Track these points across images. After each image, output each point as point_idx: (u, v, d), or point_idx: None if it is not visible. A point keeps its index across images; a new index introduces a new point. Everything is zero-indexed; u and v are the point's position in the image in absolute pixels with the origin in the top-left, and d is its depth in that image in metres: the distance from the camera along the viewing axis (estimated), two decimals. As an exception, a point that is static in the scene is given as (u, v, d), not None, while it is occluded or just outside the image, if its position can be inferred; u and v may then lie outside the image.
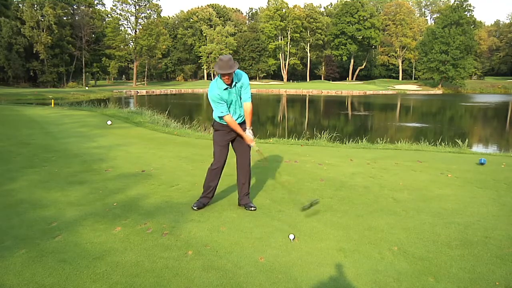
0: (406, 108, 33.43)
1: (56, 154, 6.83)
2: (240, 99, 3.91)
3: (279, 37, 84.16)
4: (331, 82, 78.60)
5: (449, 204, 4.35)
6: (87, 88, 53.93)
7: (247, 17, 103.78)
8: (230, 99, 3.87)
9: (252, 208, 4.05)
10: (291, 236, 3.34)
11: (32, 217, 3.79)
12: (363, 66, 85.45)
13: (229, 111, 3.88)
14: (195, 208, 4.00)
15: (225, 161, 4.03)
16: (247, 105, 3.92)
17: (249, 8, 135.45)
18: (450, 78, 63.00)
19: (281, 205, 4.25)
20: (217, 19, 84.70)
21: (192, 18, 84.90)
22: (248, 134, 3.92)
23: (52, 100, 22.09)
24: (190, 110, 27.39)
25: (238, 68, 3.80)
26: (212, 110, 3.98)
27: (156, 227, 3.56)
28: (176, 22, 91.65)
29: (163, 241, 3.28)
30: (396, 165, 6.34)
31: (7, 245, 3.16)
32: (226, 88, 3.79)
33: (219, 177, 4.10)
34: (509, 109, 33.55)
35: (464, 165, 6.40)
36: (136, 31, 67.96)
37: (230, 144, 4.08)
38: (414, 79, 79.01)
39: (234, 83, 3.80)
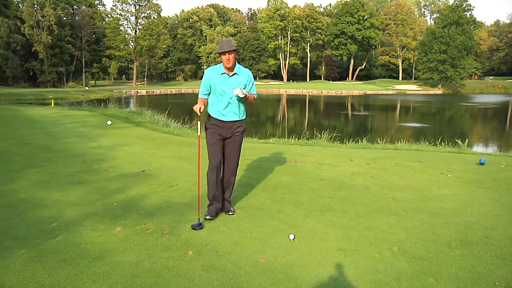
0: (406, 108, 33.43)
1: (56, 154, 6.83)
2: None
3: (279, 37, 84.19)
4: (331, 82, 78.61)
5: (449, 204, 4.35)
6: (87, 88, 53.98)
7: (246, 17, 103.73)
8: (222, 88, 3.68)
9: (231, 213, 3.91)
10: (291, 236, 3.33)
11: (32, 217, 3.79)
12: (363, 66, 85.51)
13: (219, 103, 3.73)
14: (208, 218, 3.72)
15: (220, 161, 3.80)
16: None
17: (248, 9, 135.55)
18: (450, 78, 63.03)
19: (281, 205, 4.25)
20: (217, 19, 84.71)
21: (192, 18, 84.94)
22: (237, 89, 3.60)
23: (52, 100, 22.09)
24: (190, 110, 27.37)
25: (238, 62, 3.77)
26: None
27: (156, 227, 3.56)
28: (176, 22, 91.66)
29: (163, 241, 3.28)
30: (396, 165, 6.34)
31: (7, 245, 3.16)
32: (223, 74, 3.69)
33: (219, 179, 3.85)
34: (509, 109, 33.55)
35: (464, 165, 6.40)
36: (136, 31, 67.97)
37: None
38: (414, 79, 79.07)
39: (234, 73, 3.70)
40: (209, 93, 3.82)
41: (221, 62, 3.71)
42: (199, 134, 3.83)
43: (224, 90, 3.69)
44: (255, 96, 3.85)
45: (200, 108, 3.60)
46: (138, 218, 3.79)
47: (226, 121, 3.77)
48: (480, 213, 4.08)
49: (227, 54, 3.58)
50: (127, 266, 2.84)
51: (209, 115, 3.84)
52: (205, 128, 3.85)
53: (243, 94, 3.56)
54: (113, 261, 2.92)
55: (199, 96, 3.82)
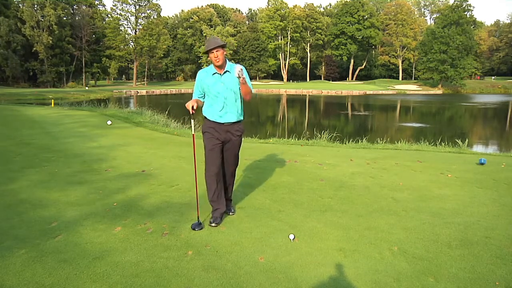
0: (406, 108, 33.43)
1: (56, 154, 6.83)
2: (234, 94, 3.57)
3: (279, 37, 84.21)
4: (331, 82, 78.63)
5: (449, 204, 4.35)
6: (87, 88, 53.99)
7: (246, 18, 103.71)
8: (216, 89, 3.56)
9: (231, 213, 3.91)
10: (291, 236, 3.33)
11: (32, 217, 3.79)
12: (363, 66, 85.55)
13: (215, 105, 3.58)
14: (213, 225, 3.59)
15: (218, 166, 3.64)
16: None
17: (248, 9, 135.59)
18: (450, 78, 63.06)
19: (281, 205, 4.25)
20: (217, 19, 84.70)
21: (192, 18, 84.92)
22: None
23: (52, 100, 22.10)
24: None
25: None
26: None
27: (156, 227, 3.56)
28: (176, 22, 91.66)
29: (163, 241, 3.28)
30: (396, 165, 6.34)
31: (7, 245, 3.16)
32: (215, 74, 3.56)
33: (221, 184, 3.71)
34: (509, 109, 33.55)
35: (464, 165, 6.40)
36: (136, 31, 67.97)
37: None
38: (414, 79, 79.10)
39: (225, 71, 3.57)
40: (203, 96, 3.72)
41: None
42: (193, 132, 3.82)
43: (218, 91, 3.57)
44: (252, 91, 3.67)
45: (192, 106, 3.52)
46: (138, 218, 3.79)
47: (224, 123, 3.63)
48: (480, 213, 4.08)
49: (214, 52, 3.45)
50: (127, 266, 2.84)
51: (205, 117, 3.72)
52: (202, 132, 3.73)
53: (238, 75, 3.36)
54: (113, 261, 2.92)
55: (192, 97, 3.74)
